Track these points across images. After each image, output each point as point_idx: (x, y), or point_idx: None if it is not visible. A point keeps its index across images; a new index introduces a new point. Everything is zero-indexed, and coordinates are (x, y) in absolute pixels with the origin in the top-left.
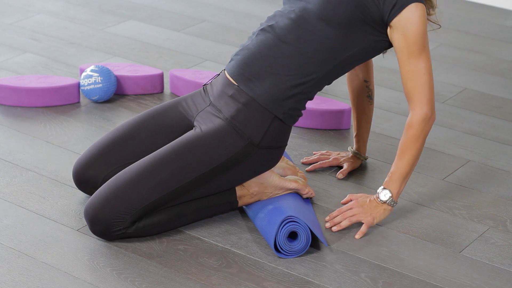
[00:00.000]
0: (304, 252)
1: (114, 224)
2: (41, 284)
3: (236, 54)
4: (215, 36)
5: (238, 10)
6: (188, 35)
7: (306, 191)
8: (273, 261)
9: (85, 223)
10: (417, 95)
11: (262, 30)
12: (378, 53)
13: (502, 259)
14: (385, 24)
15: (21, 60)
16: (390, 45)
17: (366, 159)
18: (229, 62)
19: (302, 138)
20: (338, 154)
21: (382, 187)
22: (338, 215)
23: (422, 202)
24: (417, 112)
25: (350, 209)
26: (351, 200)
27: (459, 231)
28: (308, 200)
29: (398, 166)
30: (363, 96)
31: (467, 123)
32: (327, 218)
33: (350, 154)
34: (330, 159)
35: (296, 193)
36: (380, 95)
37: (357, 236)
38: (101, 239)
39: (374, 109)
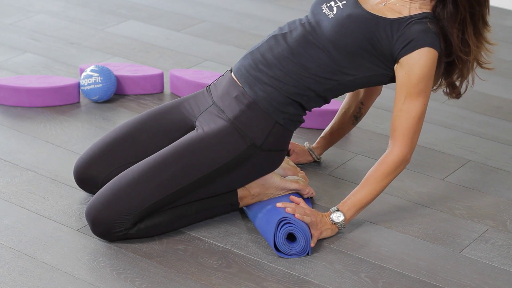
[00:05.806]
0: (304, 254)
1: (115, 225)
2: (41, 284)
3: (244, 56)
4: (215, 36)
5: (238, 10)
6: (188, 35)
7: (307, 191)
8: (273, 261)
9: (85, 223)
10: (401, 136)
11: (274, 36)
12: (382, 84)
13: (502, 259)
14: (394, 59)
15: (21, 60)
16: (393, 80)
17: (319, 160)
18: (237, 63)
19: (302, 138)
20: (297, 146)
21: (336, 207)
22: (295, 207)
23: (422, 202)
24: (395, 152)
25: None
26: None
27: (459, 231)
28: (309, 200)
29: (359, 194)
30: (351, 114)
31: (467, 123)
32: (289, 208)
33: (304, 149)
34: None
35: (297, 194)
36: (380, 95)
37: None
38: (102, 239)
39: (374, 109)
